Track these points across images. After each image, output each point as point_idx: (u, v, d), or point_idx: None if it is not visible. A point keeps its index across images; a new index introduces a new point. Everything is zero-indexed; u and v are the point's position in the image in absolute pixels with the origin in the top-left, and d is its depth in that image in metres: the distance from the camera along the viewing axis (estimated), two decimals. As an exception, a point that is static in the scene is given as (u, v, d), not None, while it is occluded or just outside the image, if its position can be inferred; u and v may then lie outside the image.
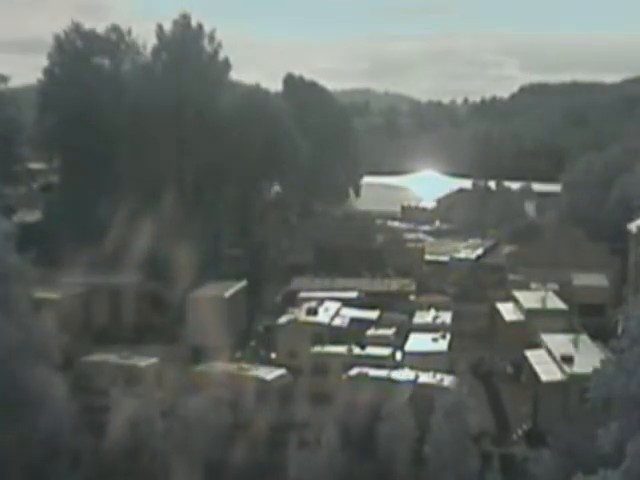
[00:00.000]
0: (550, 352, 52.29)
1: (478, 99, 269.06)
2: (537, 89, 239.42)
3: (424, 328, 60.52)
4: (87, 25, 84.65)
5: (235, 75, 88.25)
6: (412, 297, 73.09)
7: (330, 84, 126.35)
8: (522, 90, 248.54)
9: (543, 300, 63.68)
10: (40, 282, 52.66)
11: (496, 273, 78.61)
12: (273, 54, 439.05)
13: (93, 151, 77.31)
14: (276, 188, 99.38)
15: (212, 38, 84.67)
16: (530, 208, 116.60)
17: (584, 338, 54.57)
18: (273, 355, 59.10)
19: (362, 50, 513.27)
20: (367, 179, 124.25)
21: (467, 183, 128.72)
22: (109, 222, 72.19)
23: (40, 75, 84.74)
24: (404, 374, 49.63)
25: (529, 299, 64.80)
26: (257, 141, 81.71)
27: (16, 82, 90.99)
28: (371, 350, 54.87)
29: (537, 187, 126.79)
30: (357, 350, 54.88)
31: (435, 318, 63.46)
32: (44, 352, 44.33)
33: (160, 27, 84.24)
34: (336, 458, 43.12)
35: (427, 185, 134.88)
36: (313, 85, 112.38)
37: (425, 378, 49.02)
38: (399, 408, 44.67)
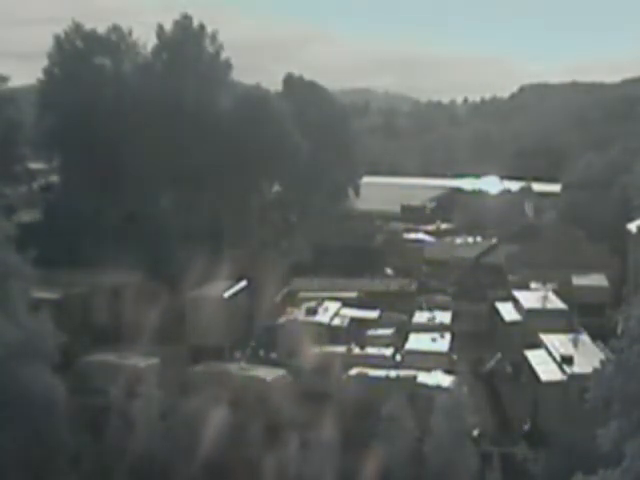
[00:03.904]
0: (550, 352, 52.30)
1: (478, 99, 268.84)
2: (537, 89, 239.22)
3: (424, 328, 60.58)
4: (88, 25, 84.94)
5: (235, 75, 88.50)
6: (412, 297, 73.10)
7: (330, 84, 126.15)
8: (522, 90, 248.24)
9: (543, 300, 63.70)
10: (40, 282, 52.59)
11: (496, 273, 78.59)
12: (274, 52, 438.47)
13: (93, 151, 77.32)
14: (276, 188, 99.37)
15: (214, 39, 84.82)
16: (530, 208, 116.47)
17: (584, 338, 54.58)
18: (273, 355, 59.13)
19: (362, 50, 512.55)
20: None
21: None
22: (109, 222, 72.29)
23: (40, 75, 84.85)
24: (404, 374, 49.63)
25: (529, 299, 64.80)
26: (257, 141, 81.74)
27: (16, 82, 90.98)
28: (371, 350, 54.91)
29: (537, 187, 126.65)
30: (357, 350, 54.93)
31: (434, 318, 63.52)
32: (43, 352, 44.30)
33: (161, 27, 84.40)
34: (336, 458, 43.11)
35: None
36: (313, 85, 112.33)
37: (425, 378, 49.03)
38: (399, 408, 44.67)
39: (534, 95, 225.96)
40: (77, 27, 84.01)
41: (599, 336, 53.15)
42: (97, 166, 77.45)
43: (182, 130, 78.61)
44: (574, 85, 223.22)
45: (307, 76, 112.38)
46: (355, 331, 60.69)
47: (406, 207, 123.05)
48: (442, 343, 56.76)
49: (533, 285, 69.86)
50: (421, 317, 64.44)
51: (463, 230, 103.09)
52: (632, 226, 72.52)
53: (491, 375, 59.98)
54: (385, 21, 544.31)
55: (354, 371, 50.18)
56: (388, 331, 60.37)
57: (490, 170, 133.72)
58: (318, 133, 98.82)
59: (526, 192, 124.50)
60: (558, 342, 53.38)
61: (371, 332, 60.27)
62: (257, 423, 45.61)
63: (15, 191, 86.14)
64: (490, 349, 63.07)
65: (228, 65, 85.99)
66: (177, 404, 47.35)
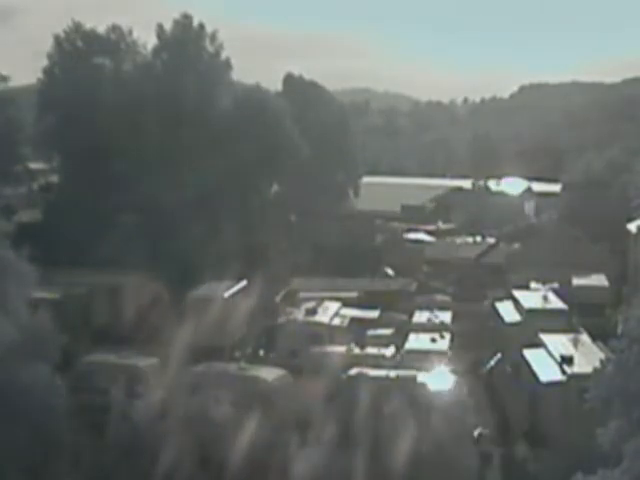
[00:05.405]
0: (550, 352, 52.26)
1: (478, 99, 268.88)
2: (537, 89, 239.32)
3: (424, 328, 60.57)
4: (88, 25, 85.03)
5: (235, 75, 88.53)
6: (412, 297, 73.12)
7: (330, 84, 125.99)
8: (522, 90, 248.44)
9: (543, 300, 63.69)
10: (40, 282, 52.63)
11: (496, 273, 78.62)
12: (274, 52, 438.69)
13: (93, 151, 77.35)
14: (276, 188, 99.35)
15: (214, 38, 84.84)
16: (530, 208, 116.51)
17: (584, 338, 54.54)
18: (273, 355, 59.10)
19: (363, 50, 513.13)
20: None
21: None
22: (109, 222, 72.33)
23: (40, 75, 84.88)
24: (404, 374, 49.59)
25: (529, 299, 64.79)
26: (257, 141, 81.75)
27: (16, 82, 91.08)
28: (371, 350, 54.86)
29: (537, 187, 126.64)
30: (357, 350, 54.88)
31: (435, 317, 63.53)
32: (43, 352, 44.27)
33: (160, 27, 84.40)
34: (336, 458, 43.09)
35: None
36: (313, 85, 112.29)
37: (425, 378, 48.96)
38: (399, 408, 44.63)
39: (534, 95, 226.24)
40: (77, 26, 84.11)
41: (599, 336, 53.09)
42: (97, 166, 77.48)
43: (182, 130, 78.67)
44: (574, 85, 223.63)
45: (307, 76, 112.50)
46: (355, 331, 60.67)
47: (406, 207, 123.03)
48: (442, 343, 56.76)
49: (533, 285, 69.87)
50: (421, 317, 64.44)
51: (463, 230, 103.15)
52: (632, 226, 72.60)
53: (491, 375, 59.95)
54: (384, 21, 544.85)
55: (354, 371, 50.13)
56: (388, 331, 60.36)
57: (488, 170, 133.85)
58: (318, 133, 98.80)
59: (526, 192, 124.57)
60: (558, 342, 53.34)
61: (371, 332, 60.23)
62: (258, 423, 45.57)
63: (15, 191, 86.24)
64: (490, 349, 63.03)
65: (228, 65, 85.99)
66: (177, 404, 47.28)
